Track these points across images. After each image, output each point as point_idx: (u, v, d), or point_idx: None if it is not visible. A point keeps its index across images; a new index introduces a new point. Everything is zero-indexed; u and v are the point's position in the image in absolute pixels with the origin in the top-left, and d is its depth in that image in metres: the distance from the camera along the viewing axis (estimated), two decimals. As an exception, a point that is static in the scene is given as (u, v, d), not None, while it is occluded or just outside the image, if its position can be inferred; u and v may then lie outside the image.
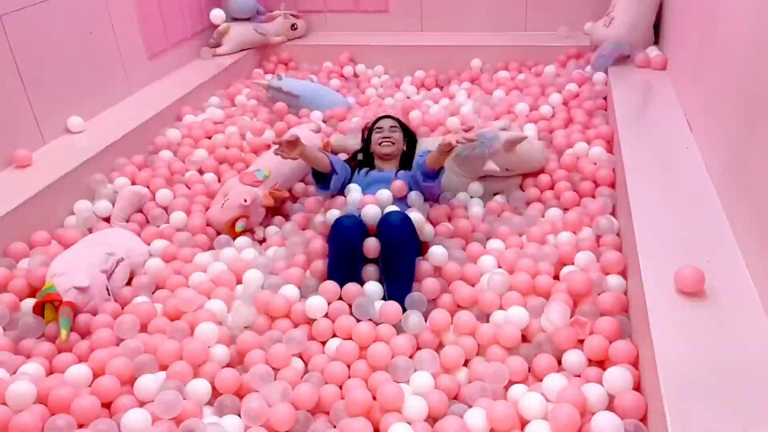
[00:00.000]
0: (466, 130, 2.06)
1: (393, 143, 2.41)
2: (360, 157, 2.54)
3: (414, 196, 2.24)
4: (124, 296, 1.99)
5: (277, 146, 2.10)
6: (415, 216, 2.08)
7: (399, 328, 1.83)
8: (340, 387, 1.64)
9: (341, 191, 2.31)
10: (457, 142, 2.00)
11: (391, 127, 2.45)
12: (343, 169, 2.30)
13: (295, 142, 2.08)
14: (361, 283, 1.98)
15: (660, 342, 1.36)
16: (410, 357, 1.72)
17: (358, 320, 1.82)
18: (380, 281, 2.00)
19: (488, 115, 2.84)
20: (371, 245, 2.00)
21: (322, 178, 2.30)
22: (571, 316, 1.71)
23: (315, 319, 1.84)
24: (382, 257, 2.00)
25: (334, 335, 1.82)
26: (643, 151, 2.19)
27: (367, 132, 2.55)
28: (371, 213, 2.07)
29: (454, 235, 2.22)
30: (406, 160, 2.46)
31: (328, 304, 1.87)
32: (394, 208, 2.13)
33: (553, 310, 1.70)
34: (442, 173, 2.24)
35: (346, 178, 2.33)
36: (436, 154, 2.10)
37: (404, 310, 1.86)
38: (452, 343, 1.77)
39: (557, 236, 2.11)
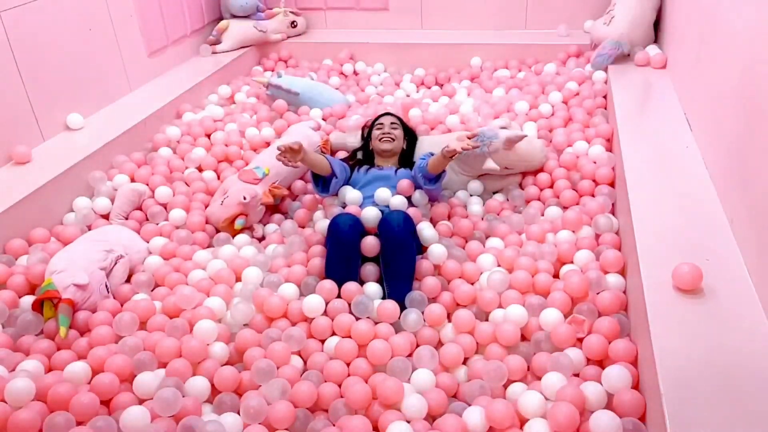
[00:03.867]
0: (470, 137, 2.06)
1: (393, 139, 2.41)
2: (359, 155, 2.54)
3: (418, 195, 2.25)
4: (123, 293, 1.98)
5: (279, 152, 2.07)
6: (428, 231, 2.09)
7: (398, 327, 1.83)
8: (339, 385, 1.64)
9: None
10: (462, 149, 2.00)
11: (391, 123, 2.46)
12: (342, 172, 2.29)
13: (297, 150, 2.06)
14: (359, 281, 1.98)
15: (659, 341, 1.36)
16: (409, 355, 1.72)
17: (357, 318, 1.82)
18: (380, 280, 2.00)
19: (488, 114, 2.84)
20: (370, 244, 2.00)
21: (321, 181, 2.29)
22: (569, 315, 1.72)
23: (313, 318, 1.84)
24: (382, 256, 2.00)
25: (333, 333, 1.82)
26: (642, 149, 2.19)
27: (368, 129, 2.55)
28: (371, 215, 2.07)
29: (453, 233, 2.22)
30: (405, 158, 2.46)
31: (327, 302, 1.87)
32: (398, 201, 2.14)
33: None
34: (444, 177, 2.24)
35: (345, 180, 2.32)
36: (438, 159, 2.10)
37: (405, 308, 1.86)
38: (451, 340, 1.77)
39: (556, 235, 2.11)
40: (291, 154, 2.06)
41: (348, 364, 1.69)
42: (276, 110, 3.13)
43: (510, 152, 2.37)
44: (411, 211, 2.15)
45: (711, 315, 1.42)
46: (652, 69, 2.93)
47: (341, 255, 1.99)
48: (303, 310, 1.85)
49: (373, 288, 1.96)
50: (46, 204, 2.27)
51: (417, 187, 2.27)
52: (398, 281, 1.95)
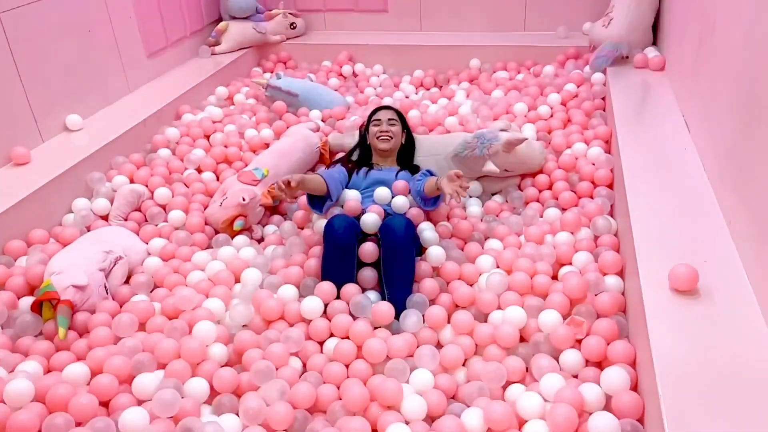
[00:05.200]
0: (458, 176, 1.93)
1: (391, 137, 2.37)
2: (355, 157, 2.51)
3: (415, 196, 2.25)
4: (122, 295, 1.99)
5: (277, 186, 1.99)
6: (428, 233, 2.09)
7: (393, 329, 1.83)
8: (338, 386, 1.64)
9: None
10: (457, 192, 1.90)
11: (389, 119, 2.40)
12: (338, 190, 2.21)
13: (295, 187, 1.99)
14: (356, 281, 1.98)
15: (657, 342, 1.36)
16: (410, 356, 1.72)
17: (355, 318, 1.82)
18: (379, 284, 1.99)
19: (486, 115, 2.84)
20: (368, 251, 1.99)
21: (316, 199, 2.22)
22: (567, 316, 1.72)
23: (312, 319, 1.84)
24: (382, 261, 1.98)
25: (332, 335, 1.82)
26: (641, 151, 2.19)
27: (364, 126, 2.51)
28: (371, 220, 2.06)
29: (452, 234, 2.22)
30: (405, 156, 2.44)
31: (325, 304, 1.87)
32: (400, 201, 2.14)
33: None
34: (442, 198, 2.19)
35: (342, 188, 2.28)
36: (433, 185, 2.06)
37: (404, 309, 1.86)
38: (450, 341, 1.77)
39: (555, 236, 2.11)
40: (289, 190, 1.98)
41: (347, 366, 1.70)
42: (275, 111, 3.13)
43: (509, 155, 2.37)
44: (412, 212, 2.15)
45: (709, 316, 1.42)
46: (651, 71, 2.93)
47: (337, 257, 1.98)
48: (301, 312, 1.85)
49: (372, 297, 1.96)
50: (45, 205, 2.27)
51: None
52: (398, 286, 1.94)
